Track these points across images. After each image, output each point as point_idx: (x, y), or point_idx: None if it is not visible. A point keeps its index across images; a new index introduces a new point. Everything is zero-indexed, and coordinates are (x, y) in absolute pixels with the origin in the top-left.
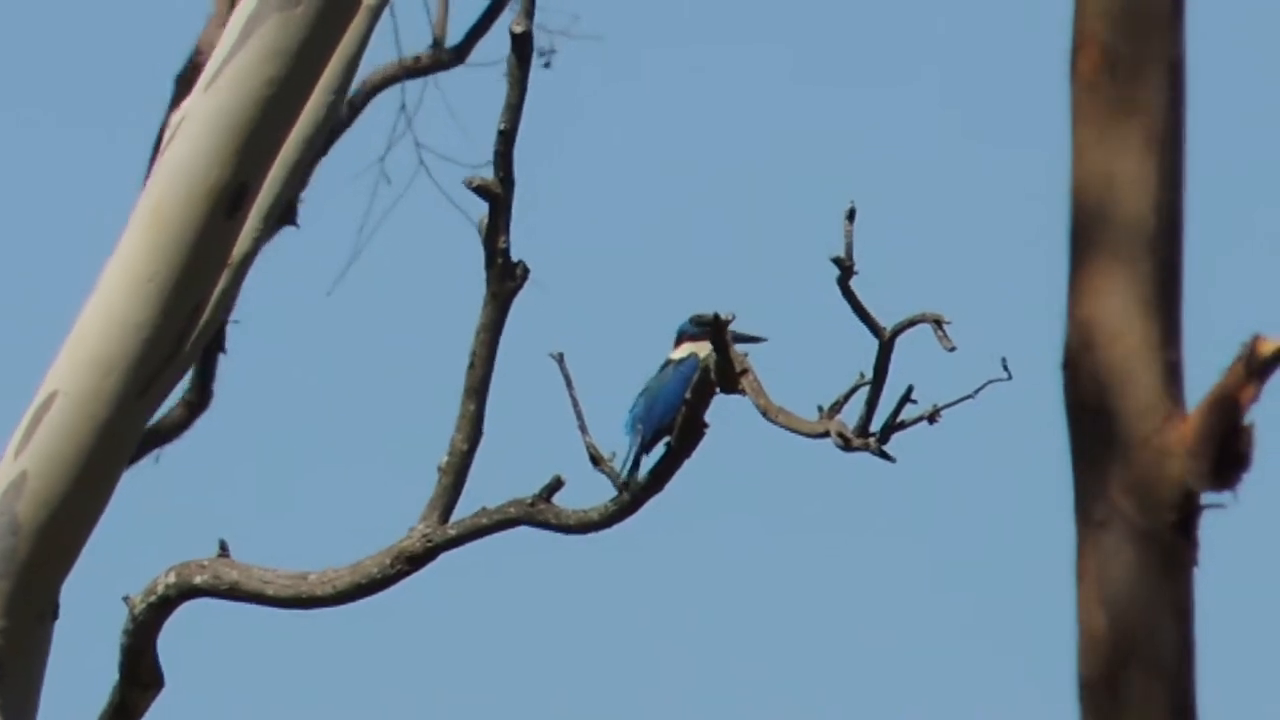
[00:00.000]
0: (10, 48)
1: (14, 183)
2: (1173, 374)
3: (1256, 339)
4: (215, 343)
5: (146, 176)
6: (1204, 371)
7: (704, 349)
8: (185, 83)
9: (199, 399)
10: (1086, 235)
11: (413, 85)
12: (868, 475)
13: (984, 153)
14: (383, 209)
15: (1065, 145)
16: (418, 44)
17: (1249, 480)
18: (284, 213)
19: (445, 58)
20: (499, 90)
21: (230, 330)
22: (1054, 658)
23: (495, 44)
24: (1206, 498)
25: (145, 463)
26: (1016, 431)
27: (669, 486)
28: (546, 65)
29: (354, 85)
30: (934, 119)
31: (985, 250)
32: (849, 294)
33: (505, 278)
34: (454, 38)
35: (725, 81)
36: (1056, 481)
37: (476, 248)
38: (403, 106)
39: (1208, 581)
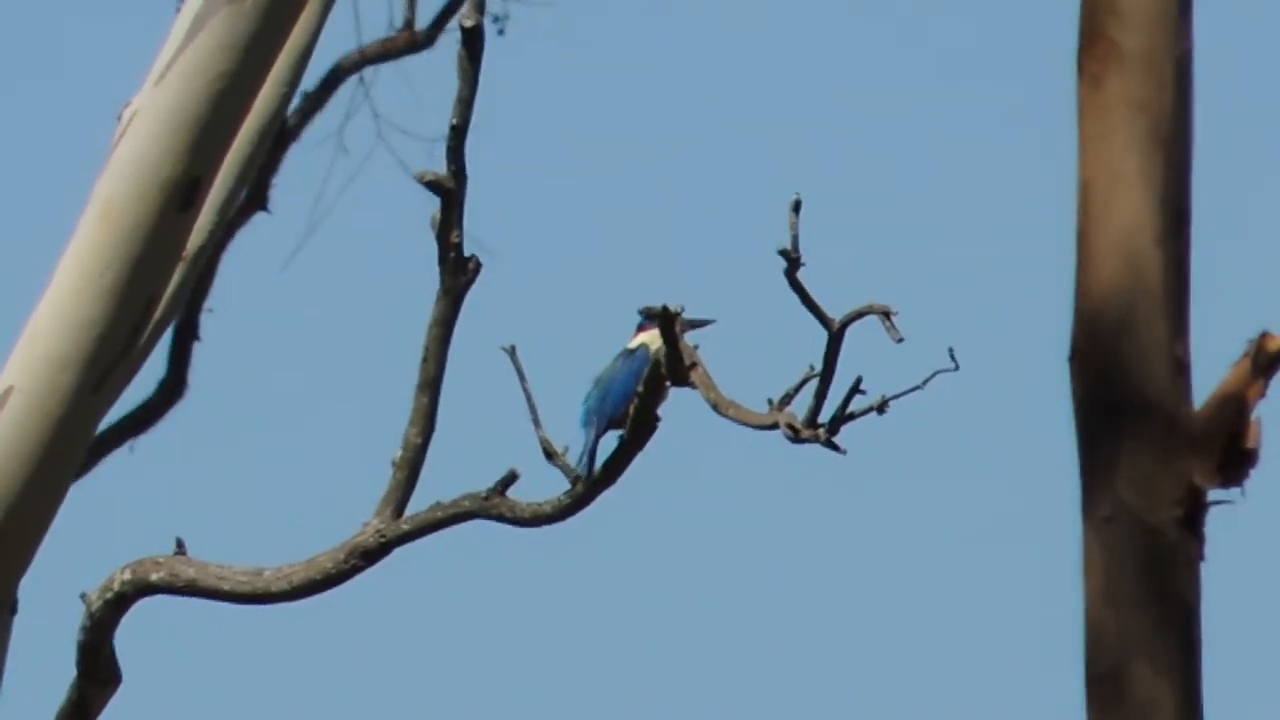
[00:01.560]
0: None
1: None
2: (1180, 370)
3: (1264, 335)
4: (189, 330)
5: None
6: (1211, 367)
7: (657, 339)
8: None
9: (174, 387)
10: (1093, 230)
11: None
12: (818, 466)
13: (965, 145)
14: (342, 184)
15: (1053, 140)
16: (377, 26)
17: (1256, 476)
18: (256, 198)
19: (419, 39)
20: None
21: (204, 318)
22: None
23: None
24: (1213, 494)
25: (120, 452)
26: (966, 421)
27: (621, 479)
28: (500, 32)
29: (327, 69)
30: (908, 108)
31: (953, 242)
32: (797, 285)
33: (458, 272)
34: (423, 20)
35: (683, 54)
36: (1010, 470)
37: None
38: (360, 79)
39: (1214, 577)
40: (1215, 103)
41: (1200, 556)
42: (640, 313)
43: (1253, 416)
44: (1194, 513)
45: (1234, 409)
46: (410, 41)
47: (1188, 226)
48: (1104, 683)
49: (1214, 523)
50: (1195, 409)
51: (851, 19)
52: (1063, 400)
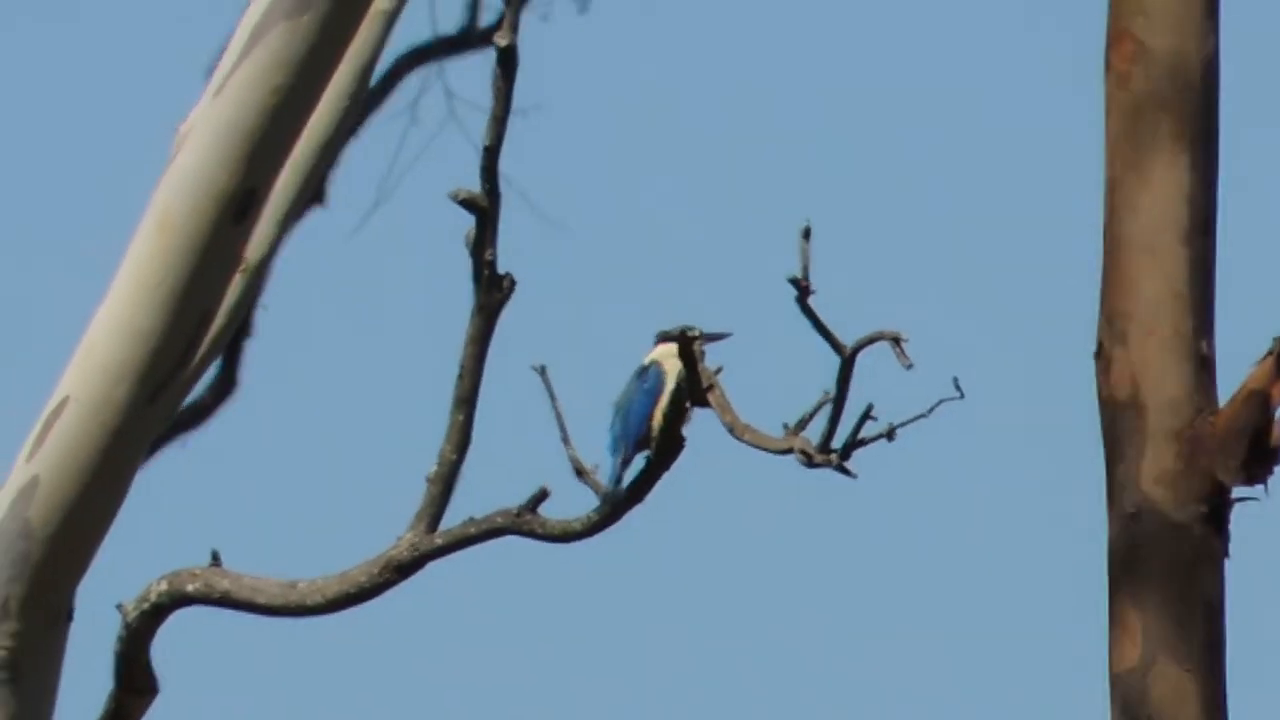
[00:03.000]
0: (27, 42)
1: (24, 183)
2: (1205, 367)
3: None
4: (243, 326)
5: None
6: (1236, 366)
7: (668, 353)
8: None
9: (225, 384)
10: (1119, 229)
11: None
12: (831, 490)
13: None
14: (407, 167)
15: (1071, 156)
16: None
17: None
18: (313, 194)
19: (479, 38)
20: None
21: (258, 314)
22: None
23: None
24: (1237, 491)
25: (171, 448)
26: (972, 447)
27: (648, 498)
28: (544, 18)
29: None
30: (933, 126)
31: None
32: (809, 312)
33: (492, 290)
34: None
35: (716, 65)
36: (1014, 492)
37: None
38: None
39: (1238, 573)
40: (1241, 102)
41: (1225, 553)
42: (658, 336)
43: (1277, 414)
44: (1218, 509)
45: (1258, 407)
46: (468, 41)
47: (1213, 225)
48: (1129, 679)
49: (1238, 519)
50: (1220, 406)
51: (865, 24)
52: (1088, 398)
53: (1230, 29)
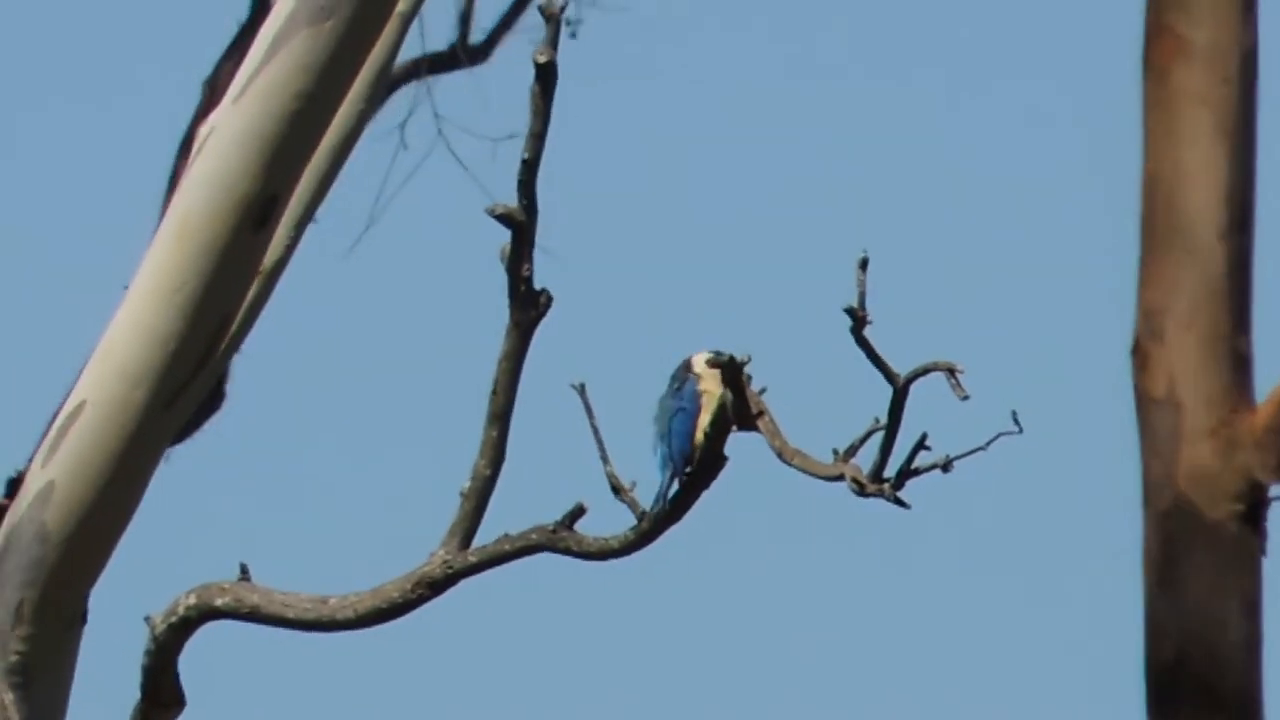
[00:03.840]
0: (39, 47)
1: (44, 190)
2: (1241, 364)
3: None
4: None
5: (170, 185)
6: (1274, 363)
7: (705, 369)
8: (214, 88)
9: (211, 399)
10: (1157, 224)
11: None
12: (883, 520)
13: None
14: (401, 182)
15: (1114, 138)
16: (436, 40)
17: None
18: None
19: (468, 54)
20: (520, 68)
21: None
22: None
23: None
24: (1275, 489)
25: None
26: (1029, 480)
27: (687, 517)
28: (573, 35)
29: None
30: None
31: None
32: (863, 342)
33: (528, 306)
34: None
35: (758, 83)
36: (1071, 526)
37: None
38: (418, 83)
39: (1276, 572)
40: None
41: (1262, 551)
42: (707, 362)
43: None
44: (1255, 508)
45: None
46: (457, 58)
47: (1251, 220)
48: (1165, 678)
49: (1275, 517)
50: (1257, 404)
51: (902, 39)
52: (1125, 395)
53: (1270, 22)
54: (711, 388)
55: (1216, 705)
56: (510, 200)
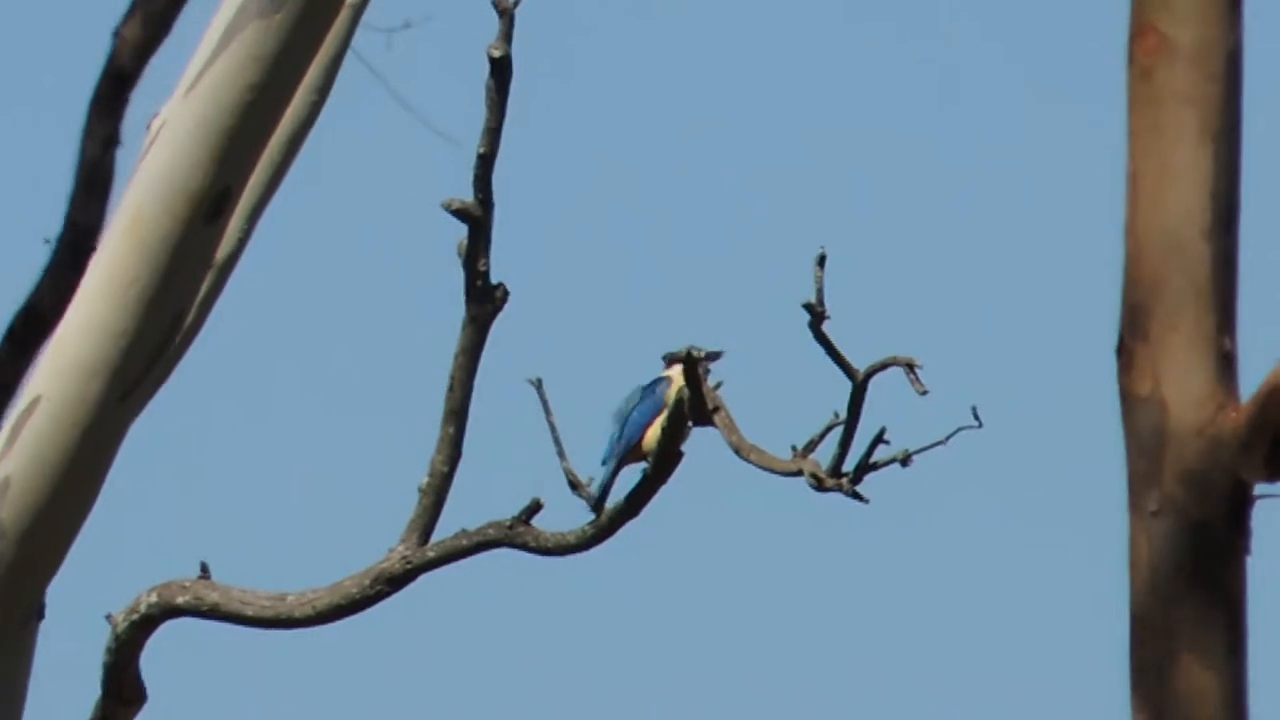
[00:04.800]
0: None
1: None
2: (1227, 363)
3: None
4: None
5: (82, 146)
6: (1258, 362)
7: (676, 372)
8: (124, 38)
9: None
10: (1142, 223)
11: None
12: (842, 514)
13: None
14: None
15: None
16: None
17: None
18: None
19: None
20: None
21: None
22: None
23: None
24: (1259, 488)
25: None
26: (989, 475)
27: (645, 513)
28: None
29: None
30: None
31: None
32: (821, 337)
33: (484, 301)
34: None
35: (719, 93)
36: (1026, 522)
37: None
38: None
39: (1260, 571)
40: (1265, 96)
41: (1246, 550)
42: (664, 359)
43: None
44: (1240, 507)
45: None
46: None
47: (1236, 220)
48: (1149, 676)
49: (1260, 516)
50: (1242, 403)
51: (861, 32)
52: (1109, 394)
53: (1254, 21)
54: (675, 385)
55: (1202, 705)
56: (466, 194)
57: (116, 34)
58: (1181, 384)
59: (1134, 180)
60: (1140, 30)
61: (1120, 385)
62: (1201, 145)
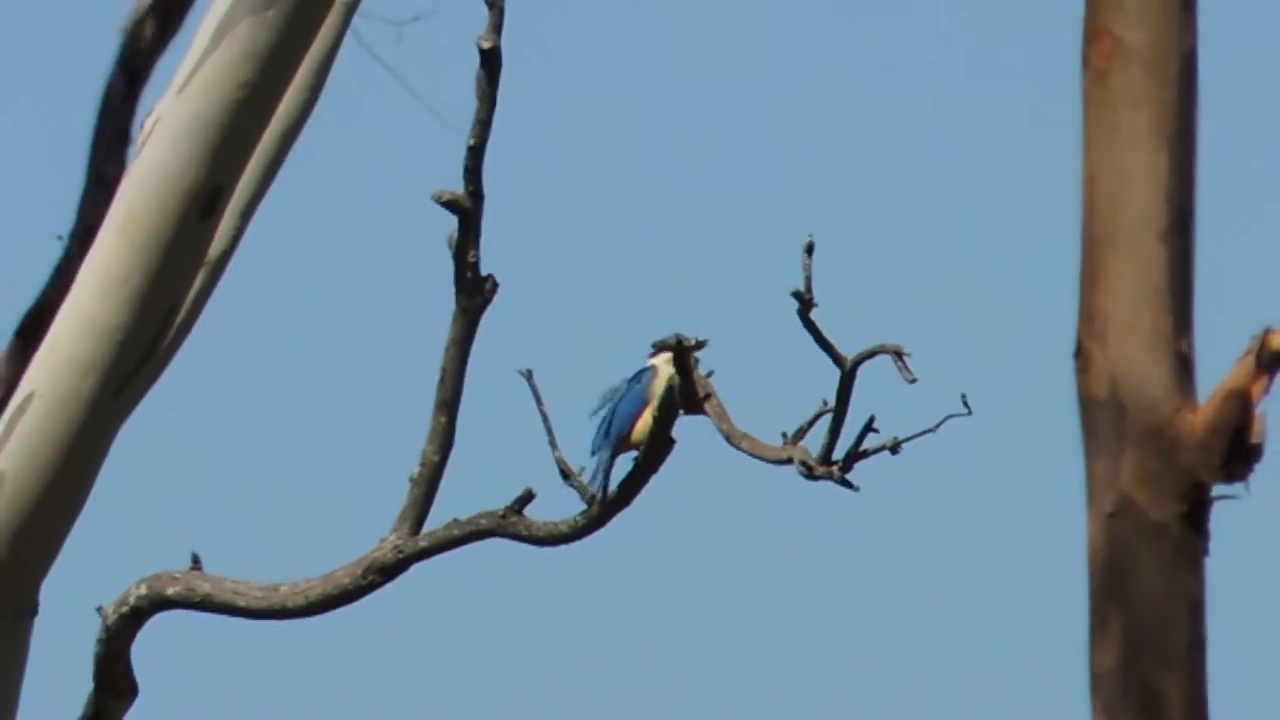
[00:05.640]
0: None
1: None
2: (1184, 366)
3: (1267, 332)
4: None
5: (94, 144)
6: (1215, 364)
7: (664, 360)
8: (136, 37)
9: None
10: (1098, 226)
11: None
12: (832, 502)
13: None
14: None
15: (1059, 139)
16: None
17: (1259, 472)
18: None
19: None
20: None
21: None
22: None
23: None
24: (1217, 489)
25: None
26: (978, 462)
27: (637, 502)
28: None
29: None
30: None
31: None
32: (810, 325)
33: (474, 292)
34: None
35: (708, 84)
36: (1015, 509)
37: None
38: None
39: (1218, 572)
40: (1221, 99)
41: (1205, 552)
42: (653, 346)
43: (1257, 412)
44: (1198, 508)
45: (1238, 405)
46: None
47: (1192, 222)
48: (1109, 678)
49: (1218, 518)
50: (1199, 405)
51: (845, 25)
52: (1068, 396)
53: (1208, 24)
54: (664, 373)
55: (1162, 705)
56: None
57: (128, 31)
58: (1139, 386)
59: (1090, 182)
60: (1094, 33)
61: (1078, 387)
62: (1157, 147)
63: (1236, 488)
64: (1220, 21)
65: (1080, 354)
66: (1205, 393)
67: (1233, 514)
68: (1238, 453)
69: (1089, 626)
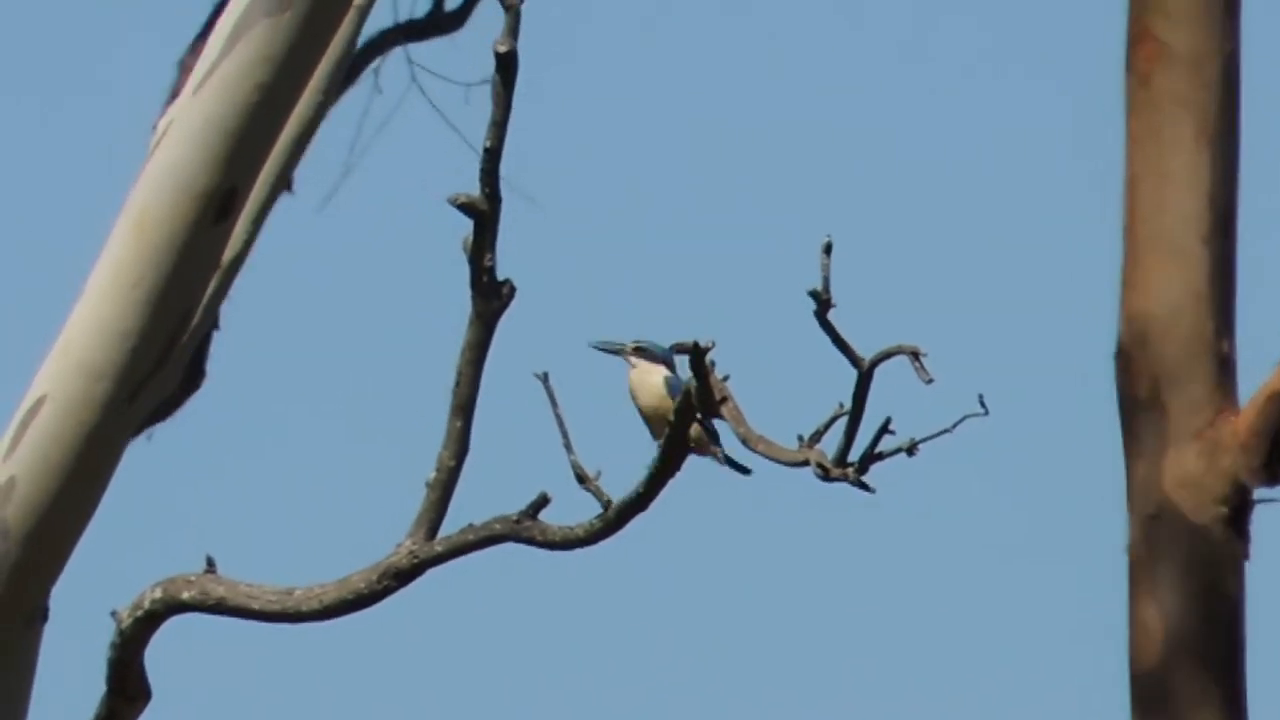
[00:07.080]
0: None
1: (3, 184)
2: (1225, 368)
3: None
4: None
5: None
6: (1257, 366)
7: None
8: (188, 70)
9: (191, 376)
10: (1139, 228)
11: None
12: (848, 504)
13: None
14: (374, 134)
15: (1096, 140)
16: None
17: None
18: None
19: (444, 22)
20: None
21: (223, 306)
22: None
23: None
24: (1258, 492)
25: (138, 441)
26: (996, 463)
27: (653, 506)
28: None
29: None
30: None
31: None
32: (827, 326)
33: (490, 297)
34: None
35: (726, 82)
36: (1033, 509)
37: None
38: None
39: (1259, 576)
40: (1263, 102)
41: (1245, 555)
42: (671, 349)
43: None
44: (1239, 511)
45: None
46: (436, 23)
47: (1234, 224)
48: (1148, 681)
49: (1259, 521)
50: (1241, 407)
51: (870, 21)
52: (1108, 399)
53: (1251, 27)
54: (635, 379)
55: (1201, 708)
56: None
57: (181, 65)
58: (1180, 389)
59: (1132, 185)
60: (1138, 36)
61: (1118, 389)
62: (1199, 150)
63: (1278, 491)
64: (1263, 24)
65: (1121, 355)
66: (1247, 395)
67: (1274, 517)
68: (1279, 455)
69: (1128, 628)
